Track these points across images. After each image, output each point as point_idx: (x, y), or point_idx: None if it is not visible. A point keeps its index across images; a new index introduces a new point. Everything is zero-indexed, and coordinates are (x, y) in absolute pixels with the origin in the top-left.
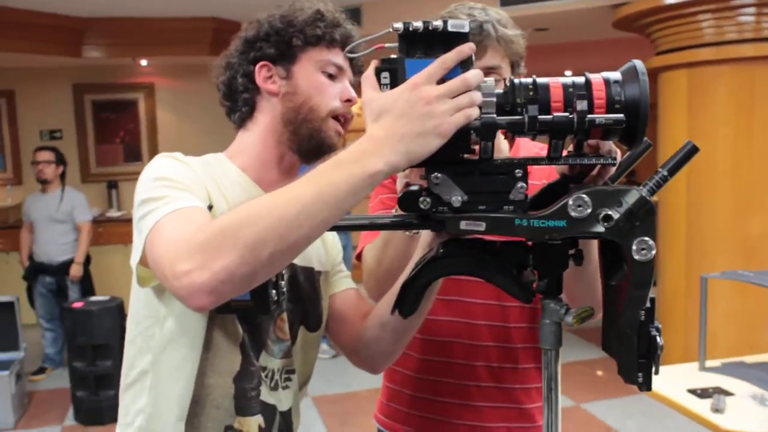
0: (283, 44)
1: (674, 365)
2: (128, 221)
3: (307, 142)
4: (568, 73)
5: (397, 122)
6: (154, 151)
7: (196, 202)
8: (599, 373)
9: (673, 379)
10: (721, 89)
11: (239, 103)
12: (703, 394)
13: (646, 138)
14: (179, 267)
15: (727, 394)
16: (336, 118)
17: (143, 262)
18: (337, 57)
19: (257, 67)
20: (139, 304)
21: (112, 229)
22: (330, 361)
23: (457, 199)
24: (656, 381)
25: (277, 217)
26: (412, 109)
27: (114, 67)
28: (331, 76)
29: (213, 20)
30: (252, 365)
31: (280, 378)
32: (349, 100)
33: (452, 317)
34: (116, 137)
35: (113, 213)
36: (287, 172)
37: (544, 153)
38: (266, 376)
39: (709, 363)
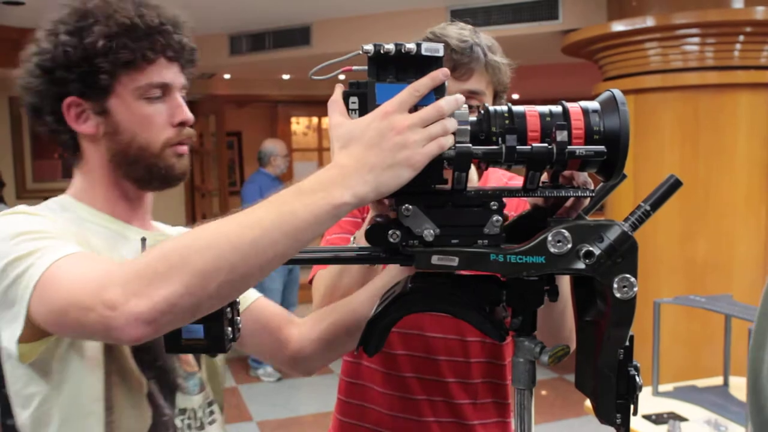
0: (89, 76)
1: None
2: None
3: (149, 177)
4: (515, 96)
5: (367, 152)
6: None
7: (78, 248)
8: (543, 393)
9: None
10: (667, 116)
11: (59, 144)
12: (658, 419)
13: None
14: (110, 294)
15: (682, 419)
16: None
17: (25, 334)
18: (161, 73)
19: (64, 105)
20: (21, 384)
21: None
22: (275, 384)
23: (429, 232)
24: None
25: (230, 245)
26: (383, 139)
27: None
28: (158, 97)
29: None
30: (164, 415)
31: (204, 414)
32: (182, 123)
33: (412, 352)
34: (54, 153)
35: None
36: (141, 200)
37: (513, 182)
38: (189, 418)
39: (661, 388)
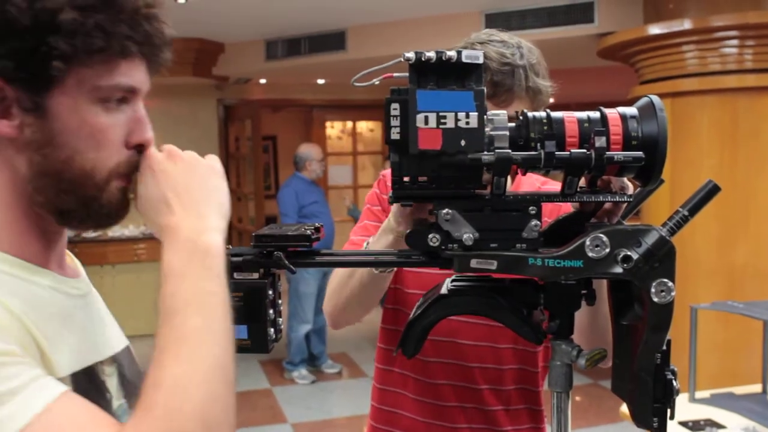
0: (32, 55)
1: None
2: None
3: (83, 214)
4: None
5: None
6: None
7: (49, 381)
8: (578, 398)
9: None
10: (705, 119)
11: None
12: (695, 426)
13: None
14: None
15: (719, 426)
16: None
17: None
18: (132, 73)
19: None
20: None
21: (88, 250)
22: (309, 387)
23: (469, 237)
24: None
25: (223, 376)
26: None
27: None
28: (116, 102)
29: (196, 41)
30: None
31: None
32: (140, 145)
33: (444, 359)
34: None
35: (89, 233)
36: (59, 236)
37: (547, 187)
38: None
39: (698, 394)
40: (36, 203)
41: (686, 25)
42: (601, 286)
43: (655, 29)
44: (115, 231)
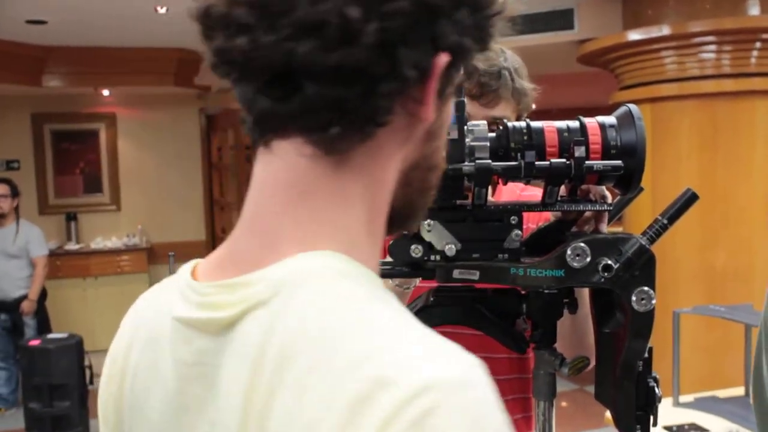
0: (481, 36)
1: None
2: (87, 254)
3: (415, 215)
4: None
5: None
6: (114, 183)
7: None
8: (564, 404)
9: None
10: (685, 124)
11: (343, 121)
12: (679, 431)
13: None
14: None
15: (703, 430)
16: None
17: None
18: None
19: (437, 59)
20: None
21: (71, 263)
22: None
23: (451, 247)
24: None
25: None
26: None
27: (75, 97)
28: None
29: (178, 51)
30: None
31: None
32: None
33: None
34: (76, 168)
35: (72, 246)
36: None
37: (526, 194)
38: None
39: (682, 398)
40: (389, 212)
41: (665, 30)
42: (583, 291)
43: (634, 35)
44: (98, 243)
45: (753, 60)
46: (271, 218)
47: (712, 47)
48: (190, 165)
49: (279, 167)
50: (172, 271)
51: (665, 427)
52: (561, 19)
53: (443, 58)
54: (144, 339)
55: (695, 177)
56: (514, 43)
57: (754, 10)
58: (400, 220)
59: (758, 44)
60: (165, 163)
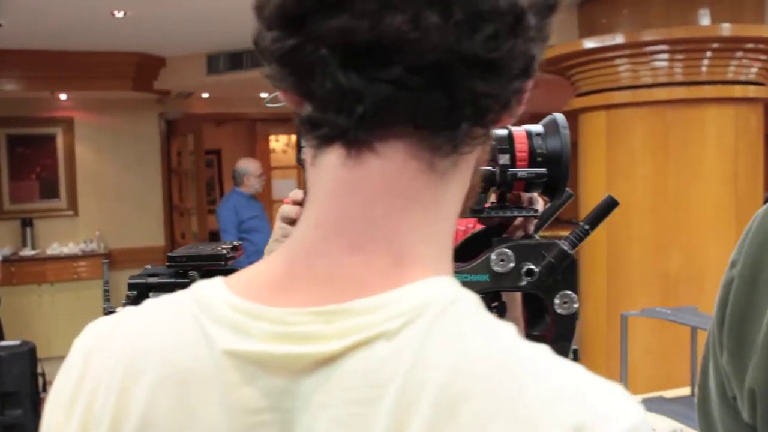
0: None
1: None
2: (43, 260)
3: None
4: None
5: None
6: (71, 188)
7: None
8: None
9: None
10: (638, 130)
11: (474, 118)
12: None
13: (567, 188)
14: None
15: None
16: None
17: None
18: None
19: (525, 86)
20: None
21: (26, 269)
22: None
23: None
24: None
25: None
26: None
27: (31, 101)
28: None
29: (136, 55)
30: None
31: None
32: None
33: None
34: (32, 173)
35: (27, 252)
36: None
37: None
38: None
39: None
40: None
41: (618, 39)
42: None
43: (589, 43)
44: (54, 249)
45: (704, 68)
46: (372, 229)
47: (665, 56)
48: (149, 170)
49: (382, 169)
50: (106, 281)
51: None
52: None
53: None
54: (157, 381)
55: (649, 182)
56: None
57: (705, 20)
58: None
59: (709, 53)
60: (124, 168)
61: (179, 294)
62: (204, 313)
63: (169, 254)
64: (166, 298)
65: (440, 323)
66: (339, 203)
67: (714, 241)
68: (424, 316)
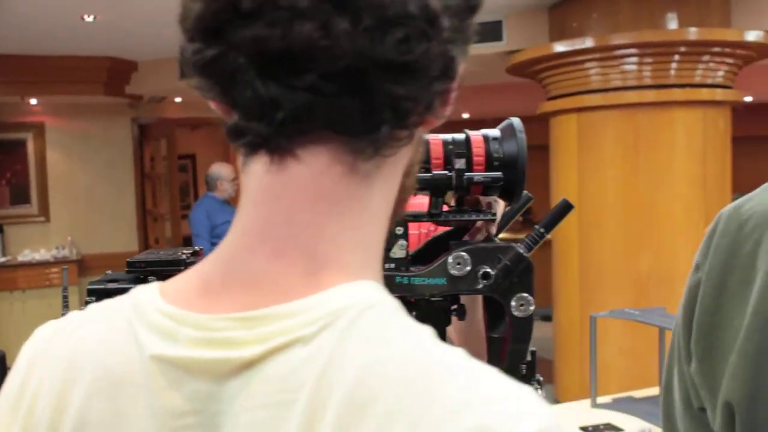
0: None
1: (567, 403)
2: (15, 267)
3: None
4: (465, 115)
5: None
6: (43, 193)
7: None
8: None
9: (564, 417)
10: (609, 133)
11: (394, 121)
12: (594, 431)
13: (526, 192)
14: None
15: (618, 429)
16: None
17: None
18: None
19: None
20: None
21: None
22: None
23: None
24: None
25: None
26: None
27: (1, 106)
28: None
29: (108, 59)
30: None
31: None
32: None
33: None
34: (2, 179)
35: None
36: None
37: (417, 201)
38: None
39: (600, 399)
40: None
41: (588, 43)
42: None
43: (559, 47)
44: (26, 255)
45: (672, 72)
46: (295, 236)
47: (634, 59)
48: (122, 175)
49: (304, 175)
50: (65, 287)
51: (581, 428)
52: (490, 31)
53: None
54: (92, 384)
55: (619, 184)
56: None
57: (673, 24)
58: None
59: (677, 57)
60: (96, 173)
61: (121, 298)
62: (137, 318)
63: (128, 260)
64: (108, 303)
65: (356, 328)
66: (264, 210)
67: (683, 242)
68: (341, 320)
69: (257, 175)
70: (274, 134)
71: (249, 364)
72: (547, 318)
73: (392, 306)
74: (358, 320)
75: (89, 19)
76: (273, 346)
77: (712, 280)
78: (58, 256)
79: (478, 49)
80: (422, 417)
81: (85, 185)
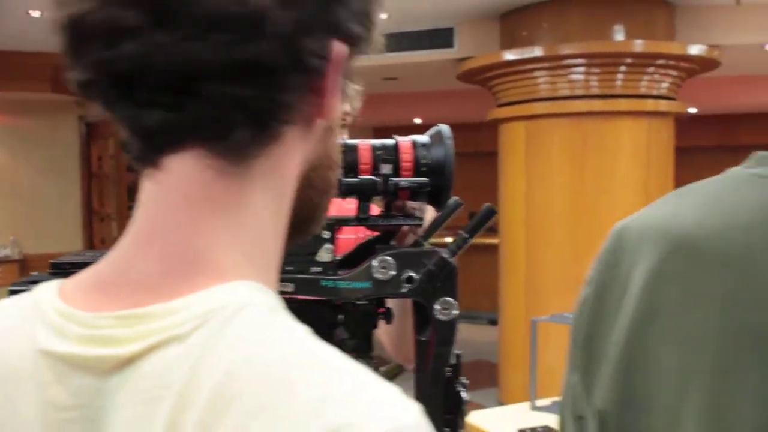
0: (369, 28)
1: (507, 406)
2: None
3: (307, 218)
4: (417, 120)
5: None
6: None
7: None
8: None
9: (504, 419)
10: (556, 141)
11: (248, 123)
12: None
13: (457, 198)
14: None
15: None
16: None
17: None
18: None
19: (336, 47)
20: None
21: None
22: None
23: None
24: (487, 422)
25: None
26: None
27: None
28: None
29: (55, 56)
30: None
31: None
32: None
33: None
34: None
35: None
36: None
37: (348, 205)
38: None
39: (539, 402)
40: (291, 216)
41: (537, 52)
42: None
43: (509, 55)
44: None
45: (618, 82)
46: (177, 238)
47: (582, 69)
48: (67, 174)
49: (179, 182)
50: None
51: (520, 430)
52: (441, 38)
53: (341, 46)
54: None
55: (566, 190)
56: (396, 60)
57: (620, 36)
58: (302, 226)
59: (623, 68)
60: (41, 172)
61: (26, 294)
62: (34, 314)
63: (51, 261)
64: (15, 298)
65: (230, 326)
66: (151, 214)
67: None
68: (215, 319)
69: (145, 184)
70: (147, 150)
71: (128, 361)
72: (494, 322)
73: (269, 305)
74: (232, 319)
75: (36, 14)
76: (150, 344)
77: (594, 293)
78: (0, 255)
79: (429, 55)
80: (281, 414)
81: (29, 184)
